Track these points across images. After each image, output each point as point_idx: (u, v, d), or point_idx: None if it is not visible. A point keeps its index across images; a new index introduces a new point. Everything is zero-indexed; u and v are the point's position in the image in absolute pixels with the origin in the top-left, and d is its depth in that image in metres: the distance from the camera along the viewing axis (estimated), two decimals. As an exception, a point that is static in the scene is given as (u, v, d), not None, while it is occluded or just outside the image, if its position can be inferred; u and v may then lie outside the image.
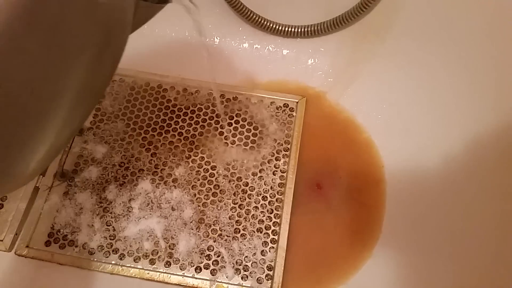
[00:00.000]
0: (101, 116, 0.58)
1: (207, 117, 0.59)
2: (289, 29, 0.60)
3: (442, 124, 0.53)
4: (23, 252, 0.49)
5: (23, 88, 0.23)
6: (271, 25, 0.60)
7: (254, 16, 0.59)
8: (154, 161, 0.56)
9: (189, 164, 0.55)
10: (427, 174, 0.52)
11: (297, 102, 0.59)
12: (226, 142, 0.57)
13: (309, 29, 0.59)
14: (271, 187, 0.54)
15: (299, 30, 0.59)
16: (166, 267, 0.49)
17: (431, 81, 0.54)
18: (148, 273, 0.48)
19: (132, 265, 0.49)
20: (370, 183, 0.54)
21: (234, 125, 0.58)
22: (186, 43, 0.64)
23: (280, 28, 0.60)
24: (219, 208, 0.52)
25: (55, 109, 0.27)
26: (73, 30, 0.24)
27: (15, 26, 0.21)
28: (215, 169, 0.55)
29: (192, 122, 0.58)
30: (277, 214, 0.52)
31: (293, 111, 0.59)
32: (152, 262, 0.49)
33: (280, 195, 0.53)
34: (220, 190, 0.53)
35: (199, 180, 0.54)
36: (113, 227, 0.51)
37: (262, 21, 0.60)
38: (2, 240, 0.50)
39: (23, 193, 0.52)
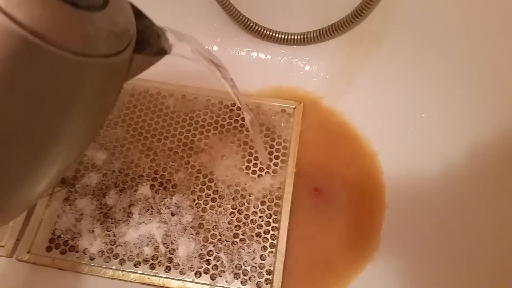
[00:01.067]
0: (101, 123, 0.59)
1: (205, 123, 0.60)
2: (286, 37, 0.61)
3: (441, 128, 0.54)
4: (24, 257, 0.50)
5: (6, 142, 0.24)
6: (268, 32, 0.61)
7: (251, 24, 0.60)
8: (153, 166, 0.56)
9: (188, 169, 0.56)
10: (426, 179, 0.53)
11: (294, 108, 0.60)
12: (224, 148, 0.57)
13: (305, 36, 0.60)
14: (270, 192, 0.54)
15: (296, 37, 0.60)
16: (166, 272, 0.50)
17: (428, 86, 0.55)
18: (148, 278, 0.49)
19: (132, 270, 0.49)
20: (369, 187, 0.55)
21: (232, 130, 0.59)
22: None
23: (276, 35, 0.61)
24: (218, 213, 0.53)
25: (43, 159, 0.28)
26: (60, 91, 0.25)
27: None
28: (213, 175, 0.56)
29: (191, 128, 0.59)
30: (276, 218, 0.53)
31: (290, 116, 0.59)
32: (152, 267, 0.50)
33: (278, 199, 0.54)
34: (219, 196, 0.54)
35: (198, 185, 0.55)
36: (113, 232, 0.51)
37: (259, 29, 0.61)
38: (3, 246, 0.50)
39: (24, 200, 0.53)
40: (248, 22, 0.60)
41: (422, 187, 0.53)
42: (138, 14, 0.32)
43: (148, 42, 0.33)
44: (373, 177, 0.56)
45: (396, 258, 0.51)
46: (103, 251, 0.51)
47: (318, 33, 0.59)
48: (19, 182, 0.27)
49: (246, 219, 0.53)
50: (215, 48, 0.65)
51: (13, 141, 0.24)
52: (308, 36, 0.60)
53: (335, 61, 0.62)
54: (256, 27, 0.60)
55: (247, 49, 0.64)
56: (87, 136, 0.31)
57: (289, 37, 0.61)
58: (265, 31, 0.61)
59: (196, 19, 0.64)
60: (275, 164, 0.56)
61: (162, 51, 0.37)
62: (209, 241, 0.51)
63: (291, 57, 0.63)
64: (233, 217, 0.53)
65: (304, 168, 0.56)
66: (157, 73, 0.61)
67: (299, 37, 0.60)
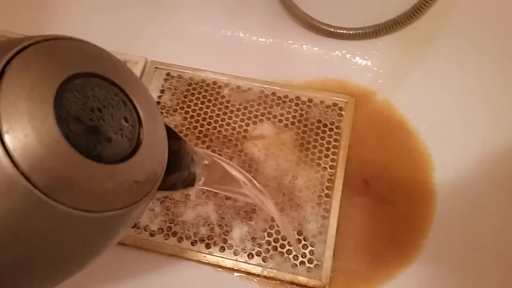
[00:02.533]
0: (161, 109, 0.62)
1: (258, 113, 0.62)
2: (340, 31, 0.62)
3: (493, 128, 0.54)
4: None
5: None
6: (323, 27, 0.62)
7: (306, 18, 0.62)
8: (209, 153, 0.59)
9: (241, 157, 0.59)
10: (478, 178, 0.53)
11: (346, 102, 0.61)
12: (277, 138, 0.59)
13: (360, 32, 0.61)
14: (320, 183, 0.56)
15: (351, 32, 0.62)
16: (220, 251, 0.52)
17: (483, 85, 0.56)
18: (204, 256, 0.52)
19: (189, 248, 0.52)
20: (419, 183, 0.56)
21: (284, 121, 0.61)
22: (240, 42, 0.68)
23: (331, 30, 0.62)
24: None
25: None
26: (64, 242, 0.23)
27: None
28: (266, 164, 0.58)
29: (245, 117, 0.62)
30: (326, 208, 0.54)
31: (342, 110, 0.61)
32: (207, 246, 0.53)
33: (329, 190, 0.55)
34: (272, 186, 0.56)
35: (251, 172, 0.57)
36: (172, 212, 0.55)
37: (314, 23, 0.62)
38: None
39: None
40: (303, 16, 0.62)
41: (474, 187, 0.53)
42: (174, 136, 0.30)
43: (179, 166, 0.31)
44: (423, 173, 0.57)
45: (442, 260, 0.52)
46: (163, 229, 0.54)
47: (373, 29, 0.60)
48: None
49: (296, 209, 0.55)
50: (269, 40, 0.67)
51: (14, 274, 0.23)
52: (363, 32, 0.61)
53: (389, 57, 0.63)
54: (311, 21, 0.62)
55: (301, 42, 0.66)
56: (84, 267, 0.28)
57: (344, 32, 0.62)
58: (320, 25, 0.62)
59: (253, 11, 0.66)
60: (326, 156, 0.58)
61: (190, 180, 0.33)
62: (261, 226, 0.54)
63: (344, 51, 0.65)
64: (285, 205, 0.55)
65: (354, 161, 0.58)
66: (214, 64, 0.64)
67: (353, 32, 0.62)
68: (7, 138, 0.20)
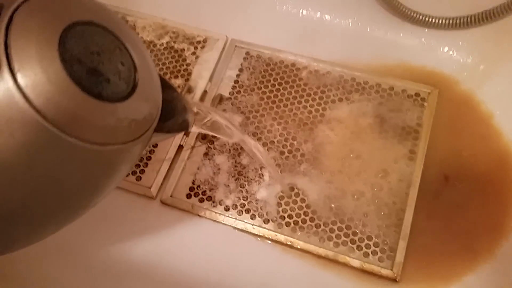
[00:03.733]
0: (239, 88, 0.63)
1: (336, 98, 0.61)
2: (429, 20, 0.60)
3: None
4: (167, 200, 0.56)
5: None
6: (410, 13, 0.60)
7: (394, 3, 0.60)
8: (284, 134, 0.59)
9: (315, 140, 0.58)
10: None
11: (429, 93, 0.59)
12: (354, 123, 0.59)
13: (450, 21, 0.59)
14: (400, 174, 0.55)
15: (440, 22, 0.59)
16: (292, 232, 0.53)
17: None
18: (276, 235, 0.53)
19: (261, 226, 0.53)
20: (502, 182, 0.54)
21: (363, 108, 0.60)
22: (321, 24, 0.67)
23: (419, 17, 0.60)
24: (345, 188, 0.55)
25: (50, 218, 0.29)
26: (74, 175, 0.26)
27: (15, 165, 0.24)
28: (340, 148, 0.57)
29: (322, 101, 0.61)
30: (402, 199, 0.53)
31: (424, 101, 0.59)
32: (279, 226, 0.53)
33: (406, 182, 0.54)
34: (347, 172, 0.56)
35: (327, 159, 0.57)
36: (246, 189, 0.56)
37: (402, 9, 0.60)
38: (150, 188, 0.56)
39: (169, 148, 0.58)
40: (392, 1, 0.60)
41: None
42: (168, 87, 0.34)
43: (173, 114, 0.34)
44: (507, 172, 0.54)
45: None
46: (236, 205, 0.55)
47: (464, 20, 0.58)
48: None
49: (373, 198, 0.54)
50: (352, 24, 0.66)
51: (30, 206, 0.26)
52: (453, 22, 0.59)
53: (478, 49, 0.60)
54: (400, 7, 0.60)
55: (385, 27, 0.64)
56: (92, 203, 0.31)
57: (433, 20, 0.60)
58: (408, 12, 0.60)
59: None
60: (405, 147, 0.57)
61: (184, 125, 0.37)
62: (335, 214, 0.53)
63: (430, 40, 0.62)
64: (360, 195, 0.54)
65: (434, 154, 0.56)
66: (293, 45, 0.64)
67: (443, 21, 0.59)
68: (19, 77, 0.22)
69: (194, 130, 0.41)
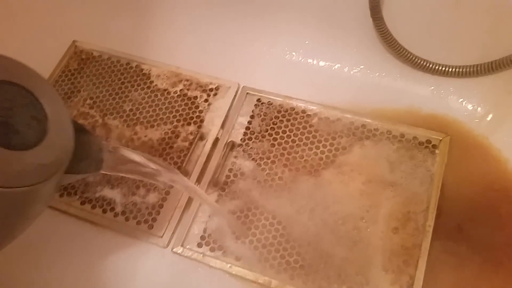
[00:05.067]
0: (250, 135, 0.64)
1: (347, 145, 0.61)
2: (440, 68, 0.60)
3: None
4: (179, 250, 0.56)
5: None
6: (421, 62, 0.61)
7: (405, 52, 0.61)
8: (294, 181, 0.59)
9: (325, 186, 0.58)
10: None
11: (440, 140, 0.59)
12: (365, 172, 0.59)
13: (460, 70, 0.59)
14: (413, 223, 0.54)
15: (450, 70, 0.60)
16: (304, 284, 0.52)
17: None
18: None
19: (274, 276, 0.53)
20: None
21: (373, 156, 0.60)
22: (332, 72, 0.68)
23: (430, 65, 0.61)
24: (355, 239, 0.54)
25: None
26: None
27: None
28: (350, 195, 0.57)
29: (333, 148, 0.61)
30: (414, 252, 0.53)
31: (435, 148, 0.59)
32: (291, 277, 0.53)
33: (419, 234, 0.54)
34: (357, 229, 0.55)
35: (334, 203, 0.57)
36: (257, 238, 0.55)
37: (413, 58, 0.61)
38: (161, 237, 0.57)
39: (181, 196, 0.59)
40: (402, 51, 0.61)
41: None
42: (84, 131, 0.37)
43: (88, 155, 0.38)
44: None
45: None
46: (249, 256, 0.55)
47: (474, 69, 0.58)
48: None
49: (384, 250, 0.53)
50: (362, 71, 0.67)
51: None
52: (464, 70, 0.59)
53: (489, 96, 0.60)
54: (411, 56, 0.61)
55: (395, 75, 0.65)
56: (10, 240, 0.34)
57: (444, 69, 0.60)
58: (419, 61, 0.61)
59: (348, 42, 0.66)
60: (416, 195, 0.56)
61: (99, 166, 0.39)
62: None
63: (441, 88, 0.63)
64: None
65: (448, 203, 0.55)
66: (304, 92, 0.65)
67: (453, 70, 0.60)
68: None
69: (110, 172, 0.43)
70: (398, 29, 0.60)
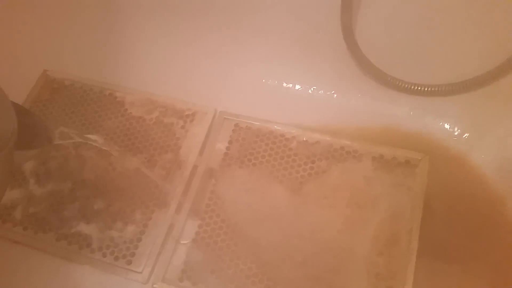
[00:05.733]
0: (229, 161, 0.63)
1: (327, 168, 0.61)
2: (414, 87, 0.61)
3: None
4: (159, 286, 0.54)
5: None
6: (396, 82, 0.61)
7: (379, 73, 0.61)
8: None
9: (302, 211, 0.57)
10: None
11: (419, 159, 0.59)
12: (347, 195, 0.58)
13: (436, 89, 0.59)
14: (397, 245, 0.54)
15: (425, 89, 0.60)
16: None
17: None
18: None
19: None
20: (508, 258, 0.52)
21: (352, 178, 0.60)
22: (308, 95, 0.68)
23: (405, 85, 0.61)
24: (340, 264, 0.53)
25: None
26: None
27: None
28: (329, 220, 0.57)
29: (313, 172, 0.61)
30: (401, 277, 0.52)
31: (415, 167, 0.59)
32: None
33: (404, 256, 0.53)
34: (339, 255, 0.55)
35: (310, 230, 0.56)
36: (240, 269, 0.54)
37: (387, 78, 0.61)
38: (140, 273, 0.55)
39: (160, 229, 0.57)
40: (377, 71, 0.61)
41: None
42: (28, 113, 0.44)
43: (35, 134, 0.43)
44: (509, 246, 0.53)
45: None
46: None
47: (450, 88, 0.59)
48: None
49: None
50: (338, 94, 0.67)
51: None
52: (439, 89, 0.59)
53: (466, 114, 0.61)
54: (385, 77, 0.61)
55: (371, 95, 0.65)
56: None
57: (419, 88, 0.60)
58: (393, 81, 0.61)
59: (323, 66, 0.66)
60: (395, 223, 0.56)
61: (48, 140, 0.45)
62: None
63: (417, 107, 0.63)
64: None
65: (430, 223, 0.55)
66: (281, 116, 0.64)
67: (428, 89, 0.60)
68: None
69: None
70: (371, 50, 0.60)
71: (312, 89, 0.67)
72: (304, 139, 0.63)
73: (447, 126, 0.62)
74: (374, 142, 0.61)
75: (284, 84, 0.68)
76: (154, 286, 0.54)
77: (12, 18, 0.73)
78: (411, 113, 0.63)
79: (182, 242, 0.57)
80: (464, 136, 0.61)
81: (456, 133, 0.61)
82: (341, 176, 0.60)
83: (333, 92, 0.66)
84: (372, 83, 0.63)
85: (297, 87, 0.68)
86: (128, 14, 0.71)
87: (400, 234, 0.55)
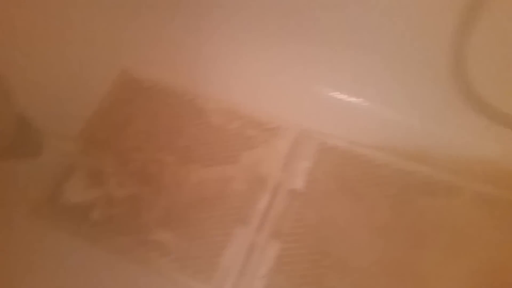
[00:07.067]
0: (314, 182, 0.58)
1: (421, 201, 0.56)
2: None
3: None
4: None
5: None
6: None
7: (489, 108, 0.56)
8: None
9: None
10: None
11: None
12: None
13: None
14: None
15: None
16: None
17: None
18: None
19: None
20: None
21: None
22: (402, 123, 0.63)
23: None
24: None
25: None
26: None
27: None
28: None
29: (410, 207, 0.56)
30: None
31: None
32: None
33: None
34: None
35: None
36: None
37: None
38: (217, 292, 0.51)
39: (240, 247, 0.53)
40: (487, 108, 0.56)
41: None
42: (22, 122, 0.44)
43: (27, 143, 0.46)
44: None
45: None
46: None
47: None
48: None
49: None
50: (431, 122, 0.62)
51: None
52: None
53: None
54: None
55: (473, 128, 0.60)
56: None
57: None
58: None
59: (425, 93, 0.61)
60: None
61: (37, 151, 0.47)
62: None
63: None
64: None
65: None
66: (370, 139, 0.59)
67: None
68: None
69: None
70: (480, 85, 0.55)
71: (406, 116, 0.62)
72: (398, 167, 0.58)
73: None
74: (478, 177, 0.56)
75: (376, 107, 0.63)
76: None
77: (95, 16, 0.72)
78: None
79: (262, 265, 0.52)
80: None
81: None
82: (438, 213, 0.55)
83: (429, 121, 0.61)
84: (478, 116, 0.58)
85: (389, 111, 0.63)
86: (218, 22, 0.69)
87: None
